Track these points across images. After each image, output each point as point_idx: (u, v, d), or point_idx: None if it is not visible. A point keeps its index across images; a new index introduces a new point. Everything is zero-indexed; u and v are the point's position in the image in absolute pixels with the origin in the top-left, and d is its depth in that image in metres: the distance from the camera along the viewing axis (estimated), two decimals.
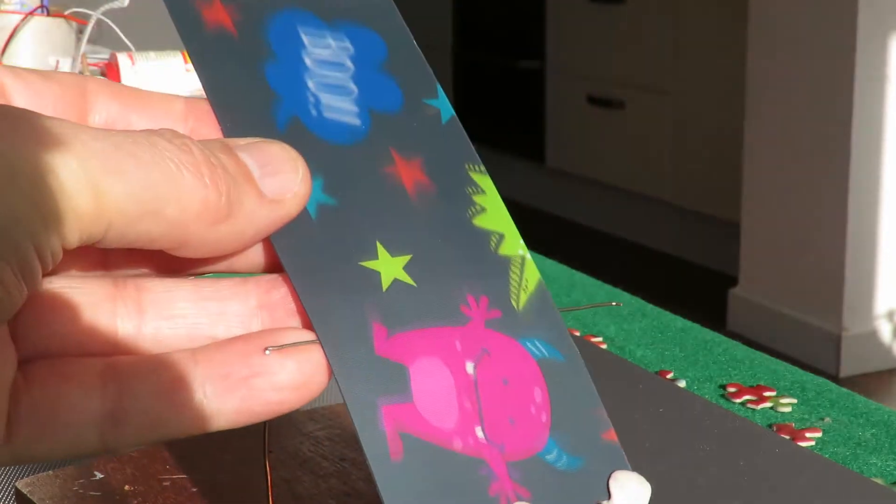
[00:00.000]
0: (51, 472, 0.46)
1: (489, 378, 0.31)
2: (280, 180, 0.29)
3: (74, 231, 0.25)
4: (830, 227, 2.51)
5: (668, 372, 0.68)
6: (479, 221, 0.33)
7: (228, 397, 0.28)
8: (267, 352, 0.28)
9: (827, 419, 0.61)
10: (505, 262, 0.33)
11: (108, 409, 0.27)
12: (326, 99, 0.32)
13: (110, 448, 0.27)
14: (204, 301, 0.29)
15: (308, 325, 0.29)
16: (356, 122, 0.32)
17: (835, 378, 2.47)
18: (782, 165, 2.62)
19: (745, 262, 2.78)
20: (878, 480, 0.54)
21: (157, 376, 0.28)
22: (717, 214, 3.13)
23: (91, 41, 1.17)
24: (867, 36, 2.40)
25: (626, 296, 0.84)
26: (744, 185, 2.76)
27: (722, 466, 0.54)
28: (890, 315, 2.54)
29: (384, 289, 0.31)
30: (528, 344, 0.33)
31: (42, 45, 1.16)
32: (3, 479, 0.53)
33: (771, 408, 0.63)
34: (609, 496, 0.33)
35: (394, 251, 0.31)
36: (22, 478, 0.46)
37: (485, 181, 0.34)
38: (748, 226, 2.76)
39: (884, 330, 2.55)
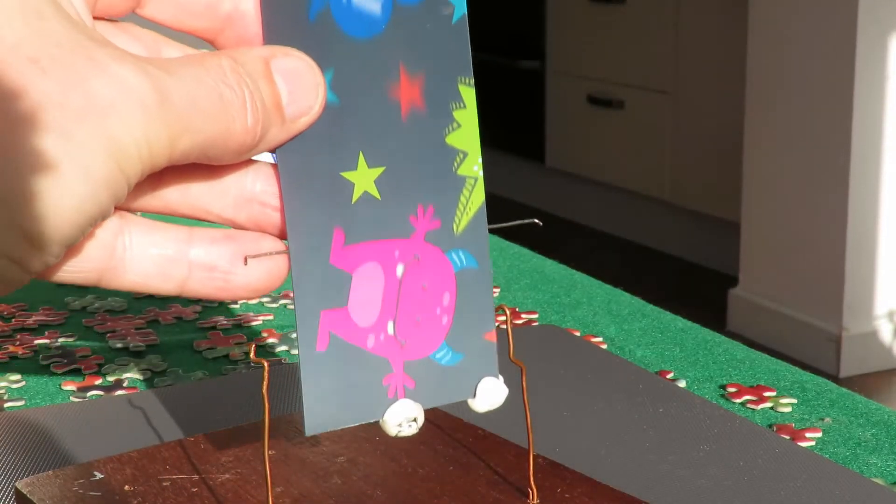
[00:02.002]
0: (50, 472, 0.46)
1: (412, 281, 0.38)
2: (302, 105, 0.34)
3: (147, 171, 0.32)
4: (830, 227, 2.51)
5: (668, 372, 0.68)
6: (452, 139, 0.38)
7: (209, 283, 0.36)
8: (247, 262, 0.36)
9: (827, 419, 0.61)
10: (460, 182, 0.39)
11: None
12: None
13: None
14: (212, 181, 0.36)
15: (283, 225, 0.36)
16: (377, 10, 0.36)
17: (835, 378, 2.47)
18: (782, 165, 2.62)
19: (745, 262, 2.78)
20: (878, 480, 0.54)
21: (156, 239, 0.36)
22: (717, 214, 3.13)
23: None
24: (867, 36, 2.40)
25: (626, 296, 0.84)
26: (744, 185, 2.76)
27: (722, 466, 0.54)
28: (890, 315, 2.54)
29: (353, 201, 0.37)
30: (453, 255, 0.39)
31: None
32: (3, 479, 0.53)
33: (771, 408, 0.63)
34: (474, 395, 0.40)
35: (371, 162, 0.37)
36: (22, 478, 0.46)
37: (469, 94, 0.39)
38: (748, 226, 2.76)
39: (884, 330, 2.55)
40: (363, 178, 0.37)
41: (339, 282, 0.36)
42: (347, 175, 0.36)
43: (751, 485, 0.53)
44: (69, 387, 0.66)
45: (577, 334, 0.74)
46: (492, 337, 0.40)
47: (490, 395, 0.40)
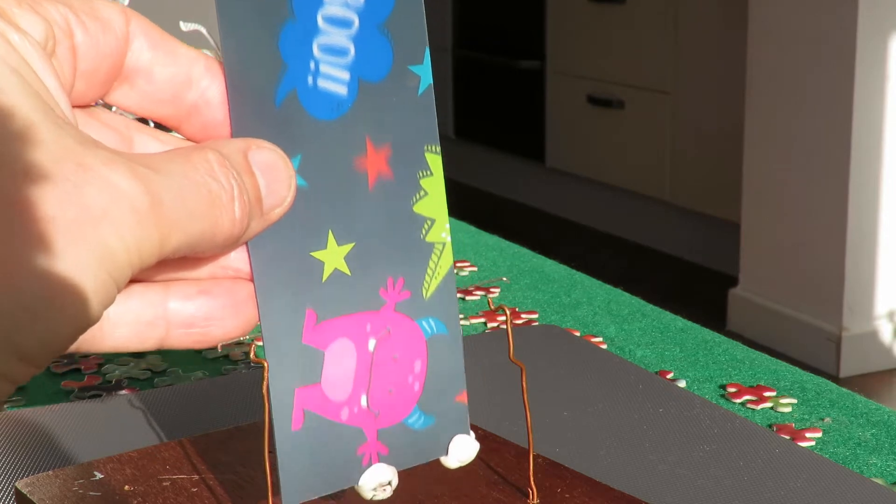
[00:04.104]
0: (51, 471, 0.46)
1: (384, 354, 0.38)
2: (277, 197, 0.35)
3: (135, 274, 0.31)
4: (830, 226, 2.51)
5: (668, 372, 0.68)
6: (419, 207, 0.39)
7: (187, 338, 0.36)
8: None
9: (827, 419, 0.61)
10: (428, 249, 0.39)
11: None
12: (324, 65, 0.36)
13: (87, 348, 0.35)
14: (190, 260, 0.35)
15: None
16: (343, 91, 0.36)
17: (835, 378, 2.47)
18: (782, 165, 2.62)
19: (745, 262, 2.78)
20: (878, 480, 0.54)
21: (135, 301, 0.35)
22: (717, 214, 3.13)
23: None
24: (867, 36, 2.40)
25: (626, 296, 0.84)
26: (744, 185, 2.76)
27: (722, 466, 0.54)
28: (890, 315, 2.54)
29: (323, 279, 0.37)
30: (424, 323, 0.39)
31: None
32: (3, 479, 0.53)
33: (771, 408, 0.63)
34: (447, 453, 0.40)
35: (341, 240, 0.37)
36: (22, 478, 0.46)
37: (435, 162, 0.39)
38: (748, 226, 2.76)
39: (884, 330, 2.55)
40: (333, 256, 0.37)
41: (311, 360, 0.37)
42: (317, 254, 0.37)
43: (751, 485, 0.53)
44: (69, 387, 0.66)
45: (577, 334, 0.74)
46: (463, 398, 0.40)
47: (461, 451, 0.40)
